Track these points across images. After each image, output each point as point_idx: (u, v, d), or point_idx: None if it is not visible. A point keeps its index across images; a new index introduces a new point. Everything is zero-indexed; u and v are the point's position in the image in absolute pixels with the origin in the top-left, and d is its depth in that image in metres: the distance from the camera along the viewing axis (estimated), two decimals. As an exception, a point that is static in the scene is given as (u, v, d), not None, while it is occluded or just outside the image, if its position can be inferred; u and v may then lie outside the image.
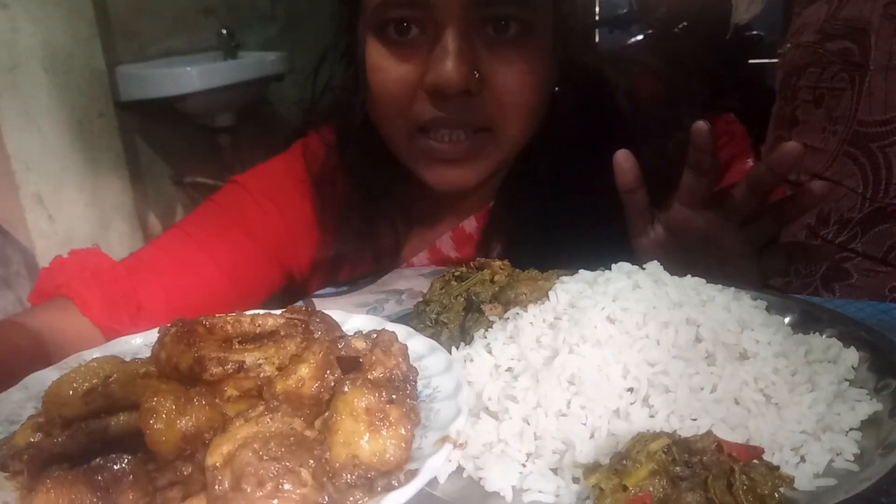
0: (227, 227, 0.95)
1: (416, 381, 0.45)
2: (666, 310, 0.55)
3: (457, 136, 0.85)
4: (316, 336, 0.45)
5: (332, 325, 0.49)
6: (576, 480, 0.46)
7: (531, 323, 0.57)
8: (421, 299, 0.66)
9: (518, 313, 0.58)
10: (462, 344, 0.59)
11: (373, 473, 0.37)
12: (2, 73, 2.32)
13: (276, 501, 0.33)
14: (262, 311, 0.51)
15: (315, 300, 0.89)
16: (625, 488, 0.37)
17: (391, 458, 0.37)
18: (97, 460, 0.37)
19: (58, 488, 0.36)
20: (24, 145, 2.41)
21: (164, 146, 2.96)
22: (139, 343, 0.55)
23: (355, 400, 0.39)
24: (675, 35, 2.57)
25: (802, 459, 0.46)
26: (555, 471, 0.47)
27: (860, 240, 0.93)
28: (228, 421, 0.38)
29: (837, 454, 0.47)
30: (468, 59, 0.80)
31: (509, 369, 0.54)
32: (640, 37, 2.78)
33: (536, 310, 0.58)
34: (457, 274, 0.67)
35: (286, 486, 0.33)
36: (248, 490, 0.33)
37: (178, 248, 0.92)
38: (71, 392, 0.41)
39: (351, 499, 0.35)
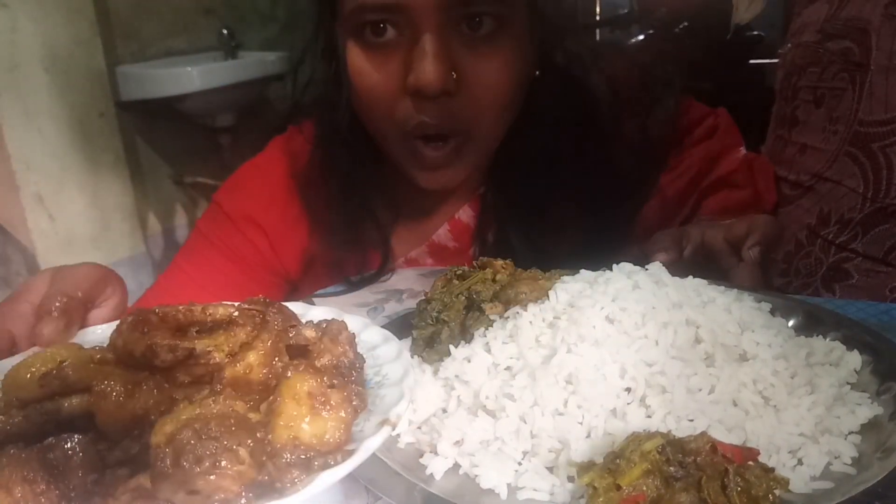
0: (214, 258, 0.99)
1: (362, 368, 0.47)
2: (665, 310, 0.54)
3: (438, 144, 0.86)
4: (269, 325, 0.46)
5: (289, 316, 0.50)
6: (570, 479, 0.46)
7: (530, 322, 0.56)
8: (423, 298, 0.66)
9: (518, 312, 0.58)
10: (462, 342, 0.59)
11: (312, 453, 0.38)
12: (2, 73, 2.32)
13: (213, 477, 0.34)
14: (219, 303, 0.51)
15: (315, 300, 0.89)
16: (618, 487, 0.37)
17: (330, 440, 0.39)
18: (49, 440, 0.39)
19: (11, 466, 0.37)
20: (24, 145, 2.42)
21: (164, 146, 2.97)
22: (101, 333, 0.57)
23: (298, 384, 0.40)
24: (675, 35, 2.57)
25: (800, 462, 0.46)
26: (550, 469, 0.47)
27: (861, 240, 0.93)
28: (175, 404, 0.40)
29: (835, 457, 0.46)
30: (445, 60, 0.80)
31: (508, 368, 0.54)
32: (640, 37, 2.77)
33: (536, 309, 0.57)
34: (458, 272, 0.67)
35: (223, 463, 0.35)
36: (187, 467, 0.34)
37: (177, 285, 0.98)
38: (28, 376, 0.43)
39: (289, 477, 0.36)
